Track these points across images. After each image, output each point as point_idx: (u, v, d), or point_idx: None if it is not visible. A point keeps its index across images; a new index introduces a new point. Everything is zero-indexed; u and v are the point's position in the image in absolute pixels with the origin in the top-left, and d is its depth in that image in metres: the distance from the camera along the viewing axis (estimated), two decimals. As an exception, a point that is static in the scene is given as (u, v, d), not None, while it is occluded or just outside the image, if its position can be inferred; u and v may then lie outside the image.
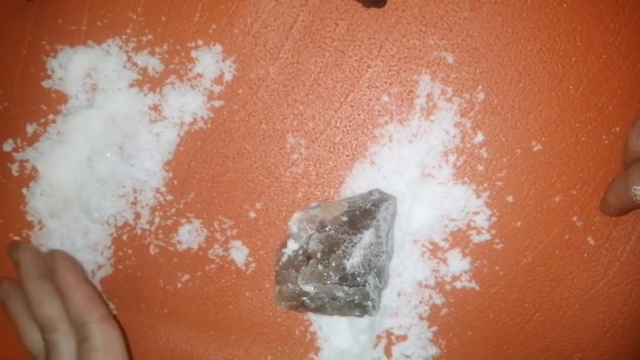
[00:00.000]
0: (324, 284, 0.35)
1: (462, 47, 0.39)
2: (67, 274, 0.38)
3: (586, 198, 0.38)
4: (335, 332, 0.40)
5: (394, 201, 0.38)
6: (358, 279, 0.35)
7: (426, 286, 0.39)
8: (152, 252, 0.41)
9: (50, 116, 0.41)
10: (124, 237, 0.41)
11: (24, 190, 0.42)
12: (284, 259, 0.38)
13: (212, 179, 0.41)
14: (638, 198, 0.35)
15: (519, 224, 0.39)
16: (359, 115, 0.40)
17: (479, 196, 0.39)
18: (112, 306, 0.42)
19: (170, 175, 0.41)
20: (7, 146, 0.42)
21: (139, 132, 0.41)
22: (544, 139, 0.38)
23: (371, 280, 0.35)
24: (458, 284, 0.39)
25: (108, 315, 0.37)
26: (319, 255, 0.35)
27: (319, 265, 0.35)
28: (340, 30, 0.40)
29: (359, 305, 0.35)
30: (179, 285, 0.41)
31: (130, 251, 0.41)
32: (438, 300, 0.39)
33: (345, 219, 0.36)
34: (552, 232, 0.39)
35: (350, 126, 0.40)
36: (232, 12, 0.40)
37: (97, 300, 0.37)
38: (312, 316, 0.40)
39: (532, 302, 0.39)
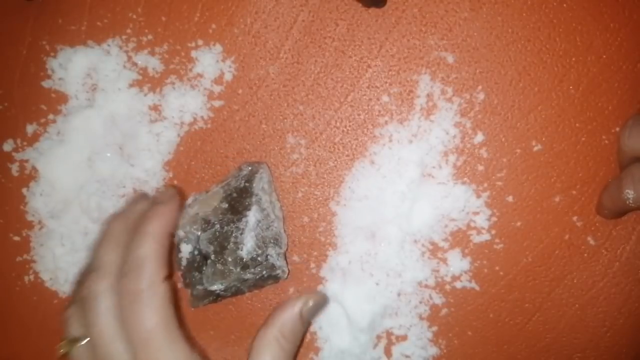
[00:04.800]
0: (229, 277, 0.35)
1: (462, 47, 0.39)
2: (150, 223, 0.33)
3: (586, 198, 0.38)
4: (335, 332, 0.40)
5: (265, 168, 0.38)
6: (259, 259, 0.35)
7: (426, 286, 0.39)
8: (152, 252, 0.41)
9: (50, 116, 0.41)
10: (124, 237, 0.41)
11: (24, 190, 0.42)
12: (184, 262, 0.37)
13: (212, 179, 0.41)
14: (630, 201, 0.35)
15: (519, 224, 0.39)
16: (359, 115, 0.40)
17: (479, 196, 0.39)
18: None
19: (170, 175, 0.41)
20: (7, 146, 0.42)
21: (139, 132, 0.41)
22: (544, 139, 0.38)
23: (272, 251, 0.35)
24: (458, 284, 0.39)
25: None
26: (212, 256, 0.35)
27: (218, 265, 0.35)
28: (340, 30, 0.40)
29: (270, 277, 0.36)
30: (179, 285, 0.41)
31: (130, 251, 0.41)
32: (438, 300, 0.39)
33: (225, 205, 0.36)
34: (552, 232, 0.39)
35: (350, 126, 0.40)
36: (232, 12, 0.40)
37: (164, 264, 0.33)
38: (312, 316, 0.40)
39: (532, 302, 0.39)
